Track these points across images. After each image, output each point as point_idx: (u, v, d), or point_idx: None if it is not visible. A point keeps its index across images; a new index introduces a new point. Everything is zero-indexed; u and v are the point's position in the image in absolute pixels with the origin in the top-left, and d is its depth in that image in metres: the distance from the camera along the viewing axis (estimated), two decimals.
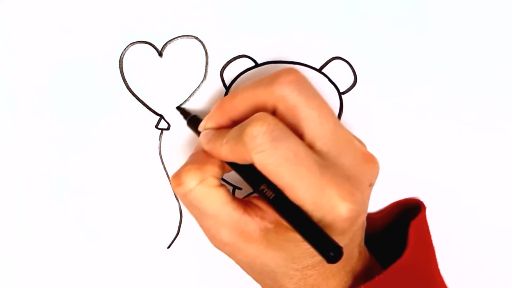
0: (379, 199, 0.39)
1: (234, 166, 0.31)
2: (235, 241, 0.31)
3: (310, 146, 0.29)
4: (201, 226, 0.32)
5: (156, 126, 0.38)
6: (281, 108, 0.30)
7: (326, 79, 0.38)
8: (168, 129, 0.38)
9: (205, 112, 0.34)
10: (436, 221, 0.37)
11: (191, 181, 0.30)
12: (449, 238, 0.40)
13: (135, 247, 0.39)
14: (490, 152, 0.40)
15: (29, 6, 0.36)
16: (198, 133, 0.33)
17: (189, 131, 0.36)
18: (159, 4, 0.37)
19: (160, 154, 0.38)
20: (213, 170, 0.31)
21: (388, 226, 0.38)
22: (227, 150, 0.30)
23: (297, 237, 0.28)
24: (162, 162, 0.38)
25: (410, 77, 0.39)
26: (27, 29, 0.36)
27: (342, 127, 0.30)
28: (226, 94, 0.38)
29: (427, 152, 0.39)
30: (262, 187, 0.29)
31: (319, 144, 0.29)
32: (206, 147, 0.32)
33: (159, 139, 0.38)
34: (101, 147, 0.38)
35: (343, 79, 0.38)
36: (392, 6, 0.38)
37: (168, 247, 0.39)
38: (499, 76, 0.39)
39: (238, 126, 0.30)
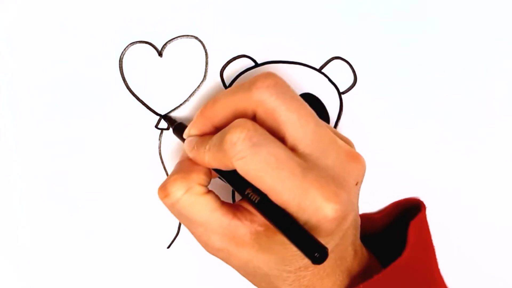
0: (379, 199, 0.39)
1: (219, 172, 0.31)
2: (227, 246, 0.31)
3: (292, 149, 0.29)
4: (193, 234, 0.32)
5: (156, 126, 0.38)
6: (260, 112, 0.29)
7: (326, 79, 0.38)
8: (168, 129, 0.38)
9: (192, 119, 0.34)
10: (436, 221, 0.37)
11: (177, 191, 0.30)
12: (449, 238, 0.40)
13: (135, 247, 0.39)
14: (490, 152, 0.40)
15: (29, 6, 0.36)
16: (183, 140, 0.33)
17: None
18: (159, 4, 0.37)
19: (160, 154, 0.38)
20: (198, 178, 0.31)
21: (388, 226, 0.38)
22: (210, 158, 0.30)
23: (285, 239, 0.28)
24: (162, 162, 0.38)
25: (410, 77, 0.39)
26: (27, 29, 0.36)
27: (324, 127, 0.30)
28: None
29: (427, 152, 0.39)
30: (247, 191, 0.29)
31: (301, 146, 0.29)
32: (190, 155, 0.32)
33: (159, 139, 0.38)
34: (101, 147, 0.38)
35: (343, 79, 0.38)
36: (392, 6, 0.38)
37: (168, 247, 0.39)
38: (500, 75, 0.39)
39: (219, 133, 0.29)
